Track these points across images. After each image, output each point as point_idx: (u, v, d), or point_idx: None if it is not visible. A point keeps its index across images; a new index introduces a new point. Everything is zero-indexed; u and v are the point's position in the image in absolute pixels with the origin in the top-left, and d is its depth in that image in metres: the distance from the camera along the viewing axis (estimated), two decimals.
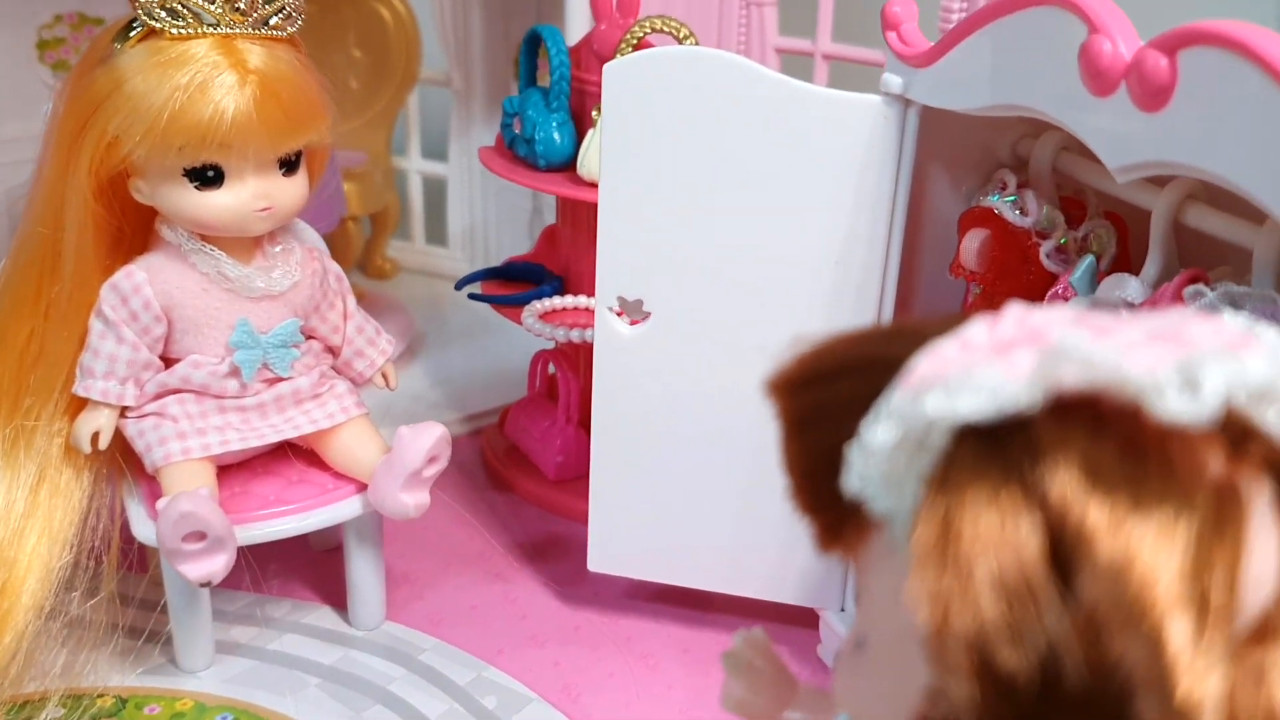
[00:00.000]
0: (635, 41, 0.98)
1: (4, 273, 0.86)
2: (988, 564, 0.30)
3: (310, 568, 1.02)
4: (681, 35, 0.98)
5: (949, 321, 0.38)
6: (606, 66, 0.79)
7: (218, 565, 0.80)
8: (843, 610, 0.91)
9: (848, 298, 0.81)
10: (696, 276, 0.82)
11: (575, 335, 1.03)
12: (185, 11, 0.77)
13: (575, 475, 1.14)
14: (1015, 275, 0.76)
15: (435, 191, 1.62)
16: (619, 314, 0.85)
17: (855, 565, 0.39)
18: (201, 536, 0.78)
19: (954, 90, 0.72)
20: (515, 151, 1.07)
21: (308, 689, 0.88)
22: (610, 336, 0.85)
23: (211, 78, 0.76)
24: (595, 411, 0.88)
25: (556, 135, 1.03)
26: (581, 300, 1.10)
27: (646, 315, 0.85)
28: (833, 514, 0.38)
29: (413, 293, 1.56)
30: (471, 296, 1.13)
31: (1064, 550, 0.30)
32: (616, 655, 0.93)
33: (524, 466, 1.15)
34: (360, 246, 1.57)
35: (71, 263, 0.83)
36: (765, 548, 0.90)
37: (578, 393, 1.12)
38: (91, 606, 0.86)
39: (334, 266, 0.91)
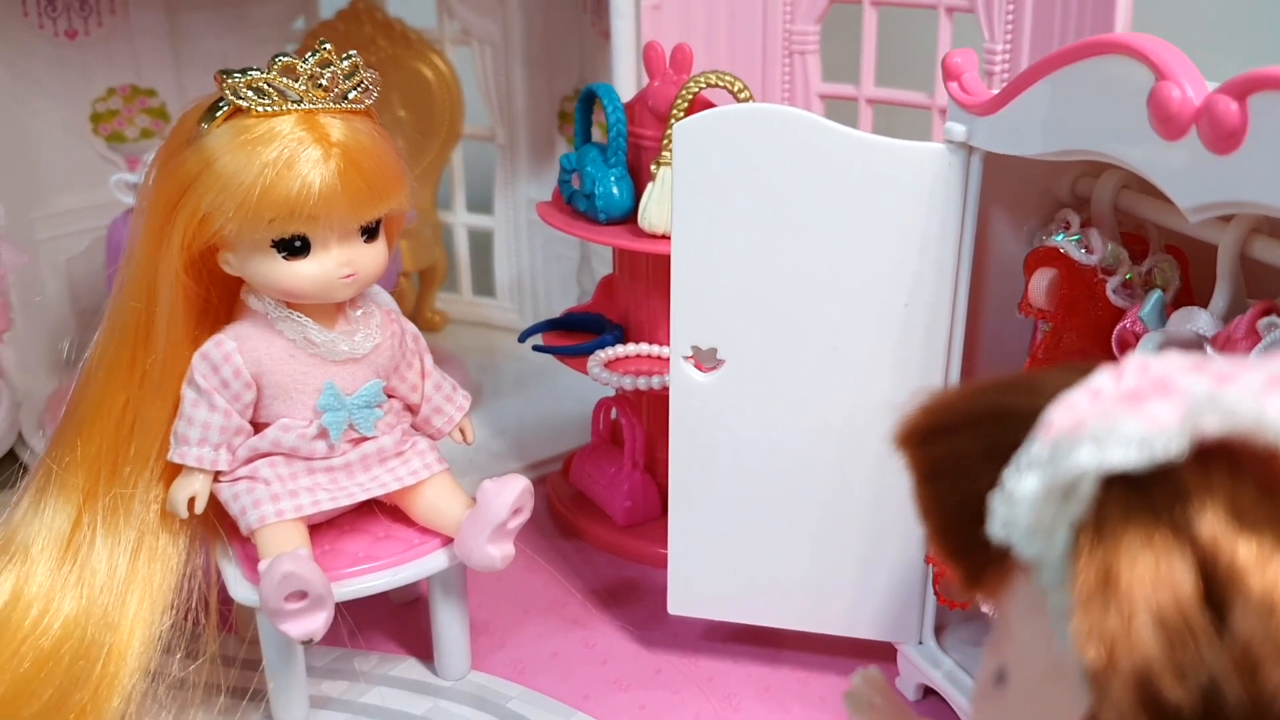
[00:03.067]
0: (691, 97, 1.01)
1: (98, 345, 0.89)
2: (1148, 604, 0.32)
3: (392, 620, 1.04)
4: (736, 89, 1.01)
5: (1066, 373, 0.40)
6: (676, 125, 0.82)
7: (318, 623, 0.82)
8: (920, 643, 0.92)
9: (917, 338, 0.84)
10: (768, 323, 0.85)
11: (642, 383, 1.06)
12: (271, 90, 0.81)
13: (643, 519, 1.16)
14: (1083, 312, 0.78)
15: (480, 244, 1.65)
16: (693, 361, 0.88)
17: (995, 606, 0.41)
18: (303, 596, 0.81)
19: (1018, 136, 0.74)
20: (574, 206, 1.10)
21: None
22: (685, 383, 0.88)
23: (298, 153, 0.79)
24: (673, 457, 0.90)
25: (615, 190, 1.06)
26: (644, 348, 1.12)
27: (720, 362, 0.87)
28: (973, 559, 0.40)
29: (463, 343, 1.59)
30: (535, 348, 1.16)
31: (1217, 588, 0.32)
32: (699, 696, 0.95)
33: (591, 513, 1.17)
34: (411, 301, 1.60)
35: (164, 334, 0.86)
36: (841, 584, 0.92)
37: (643, 439, 1.15)
38: (192, 668, 0.88)
39: (410, 327, 0.94)
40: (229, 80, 0.80)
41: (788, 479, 0.89)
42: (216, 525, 0.90)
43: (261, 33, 1.54)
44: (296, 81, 0.81)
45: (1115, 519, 0.34)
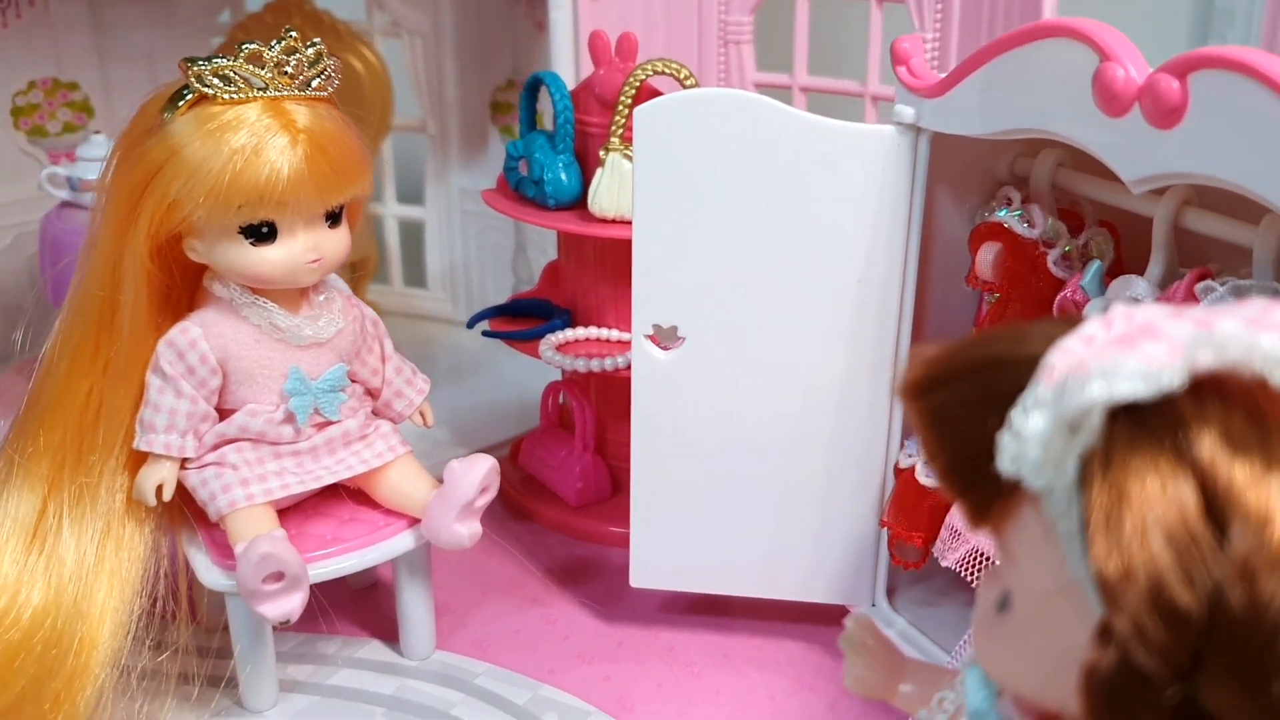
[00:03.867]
0: (638, 84, 1.03)
1: (59, 334, 0.88)
2: (1158, 520, 0.36)
3: (352, 605, 1.05)
4: (682, 76, 1.04)
5: (1049, 325, 0.44)
6: (637, 110, 0.85)
7: (295, 603, 0.83)
8: (873, 605, 0.97)
9: (869, 313, 0.88)
10: (727, 301, 0.88)
11: (595, 365, 1.08)
12: (237, 78, 0.81)
13: (595, 500, 1.19)
14: (1026, 283, 0.83)
15: (411, 235, 1.65)
16: (654, 340, 0.90)
17: (998, 537, 0.44)
18: (280, 577, 0.82)
19: (966, 117, 0.79)
20: (522, 192, 1.12)
21: (374, 718, 0.91)
22: (647, 361, 0.90)
23: (266, 140, 0.80)
24: (635, 433, 0.93)
25: (563, 176, 1.08)
26: (593, 331, 1.15)
27: (680, 340, 0.90)
28: (979, 495, 0.43)
29: (397, 335, 1.55)
30: (485, 334, 1.18)
31: (1217, 506, 0.36)
32: (661, 666, 0.98)
33: (543, 495, 1.20)
34: None
35: (129, 322, 0.86)
36: (798, 551, 0.95)
37: (593, 421, 1.17)
38: (161, 656, 0.88)
39: (369, 312, 0.95)
40: (194, 68, 0.81)
41: (746, 451, 0.92)
42: (182, 513, 0.90)
43: (187, 26, 1.53)
44: (262, 69, 0.82)
45: (1122, 447, 0.37)
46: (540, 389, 1.24)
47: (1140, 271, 0.79)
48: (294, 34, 0.83)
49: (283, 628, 0.87)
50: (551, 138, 1.10)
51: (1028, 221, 0.83)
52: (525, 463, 1.23)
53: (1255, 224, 0.71)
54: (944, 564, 0.81)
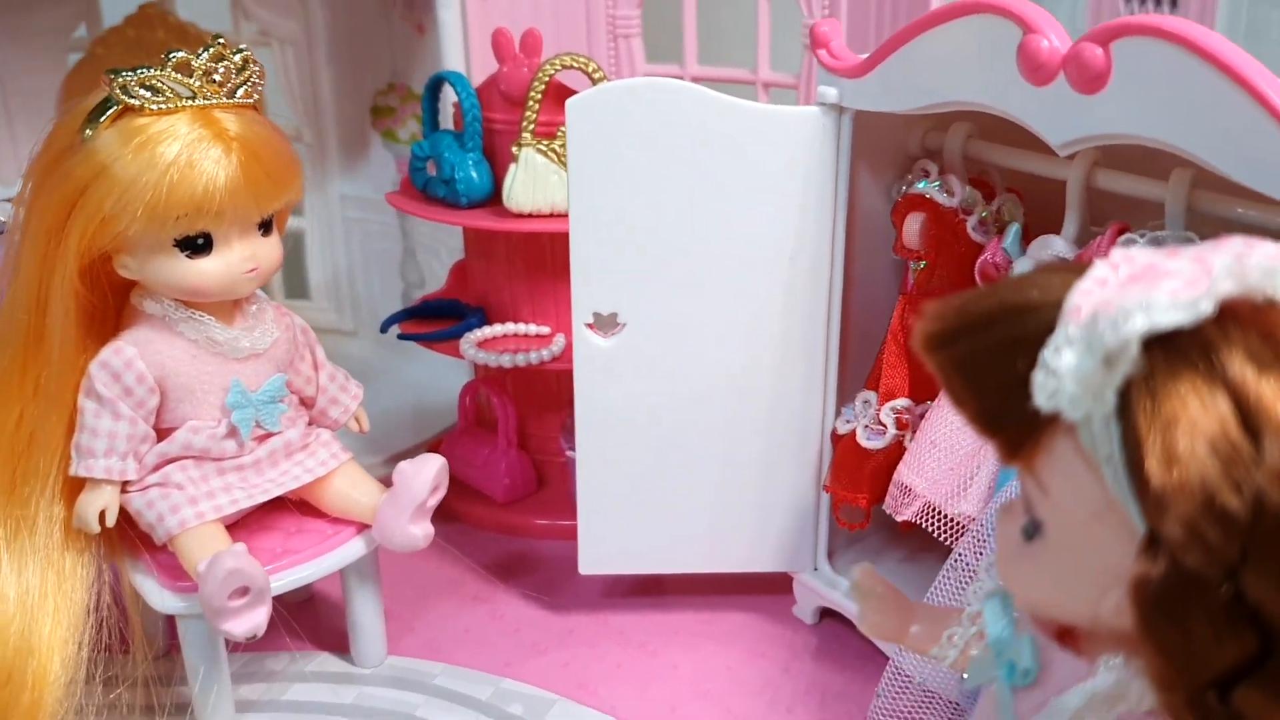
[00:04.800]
0: (547, 79, 1.05)
1: None
2: (1203, 433, 0.39)
3: (291, 619, 1.03)
4: (591, 69, 1.05)
5: (1048, 274, 0.48)
6: (570, 101, 0.86)
7: (260, 617, 0.82)
8: (815, 570, 1.00)
9: (801, 288, 0.91)
10: (665, 285, 0.90)
11: (520, 359, 1.09)
12: (165, 88, 0.80)
13: (523, 495, 1.20)
14: (950, 249, 0.87)
15: (290, 246, 1.62)
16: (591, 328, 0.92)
17: (1028, 472, 0.48)
18: (244, 592, 0.80)
19: (891, 94, 0.83)
20: (430, 193, 1.12)
21: None
22: (588, 350, 0.92)
23: (200, 150, 0.79)
24: (579, 423, 0.94)
25: (474, 174, 1.09)
26: (510, 328, 1.15)
27: (620, 326, 0.92)
28: (1010, 434, 0.47)
29: None
30: (401, 337, 1.17)
31: (1250, 419, 0.40)
32: (616, 648, 0.99)
33: (468, 495, 1.20)
34: None
35: (58, 346, 0.83)
36: (742, 523, 0.98)
37: (515, 417, 1.18)
38: (116, 690, 0.86)
39: (299, 320, 0.94)
40: (119, 79, 0.79)
41: (688, 430, 0.95)
42: (122, 539, 0.87)
43: (39, 43, 1.46)
44: (190, 77, 0.80)
45: (1162, 372, 0.41)
46: (439, 392, 1.24)
47: (1049, 231, 0.84)
48: (222, 40, 0.81)
49: (245, 645, 0.85)
50: (459, 137, 1.10)
51: (947, 191, 0.87)
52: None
53: (1159, 179, 0.77)
54: (898, 519, 0.85)
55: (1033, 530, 0.48)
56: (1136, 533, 0.43)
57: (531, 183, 1.05)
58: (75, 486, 0.85)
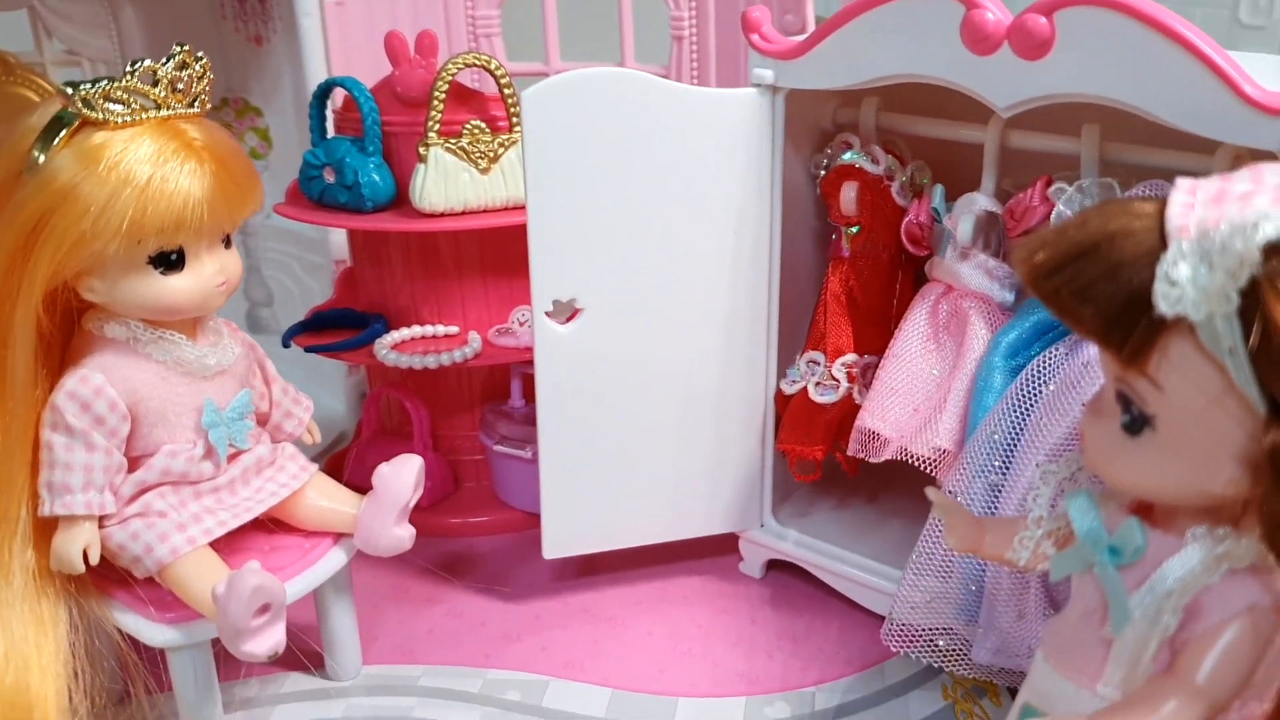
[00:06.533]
0: (450, 78, 1.06)
1: None
2: None
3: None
4: (493, 66, 1.07)
5: (1110, 207, 0.56)
6: (525, 94, 0.88)
7: (280, 635, 0.80)
8: (761, 526, 1.06)
9: (745, 259, 0.97)
10: (620, 266, 0.94)
11: (445, 359, 1.09)
12: (129, 99, 0.77)
13: (443, 497, 1.20)
14: (881, 213, 0.95)
15: None
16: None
17: (1140, 377, 0.55)
18: (265, 609, 0.78)
19: (828, 73, 0.90)
20: (330, 200, 1.10)
21: None
22: (549, 337, 0.94)
23: (175, 164, 0.76)
24: (541, 410, 0.96)
25: (377, 177, 1.08)
26: (417, 330, 1.15)
27: (577, 311, 0.95)
28: (1130, 342, 0.54)
29: None
30: (308, 349, 1.15)
31: None
32: (587, 625, 1.02)
33: None
34: None
35: (21, 378, 0.78)
36: (696, 492, 1.03)
37: (428, 420, 1.18)
38: None
39: (247, 336, 0.92)
40: (80, 93, 0.75)
41: (644, 406, 0.98)
42: (96, 579, 0.83)
43: None
44: (155, 87, 0.77)
45: None
46: (320, 404, 1.22)
47: (959, 193, 0.93)
48: (187, 47, 0.79)
49: (267, 664, 0.83)
50: (356, 142, 1.09)
51: (872, 160, 0.95)
52: (354, 475, 1.21)
53: (1067, 136, 0.87)
54: (875, 461, 0.92)
55: (1139, 425, 0.56)
56: (1255, 412, 0.51)
57: (443, 181, 1.06)
58: (44, 528, 0.81)
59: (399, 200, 1.10)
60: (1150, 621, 0.57)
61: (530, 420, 1.14)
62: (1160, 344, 0.54)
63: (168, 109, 0.78)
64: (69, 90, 0.75)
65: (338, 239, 1.32)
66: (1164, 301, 0.52)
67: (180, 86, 0.79)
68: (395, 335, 1.14)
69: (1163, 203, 0.54)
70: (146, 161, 0.76)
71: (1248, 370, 0.51)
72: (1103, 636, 0.60)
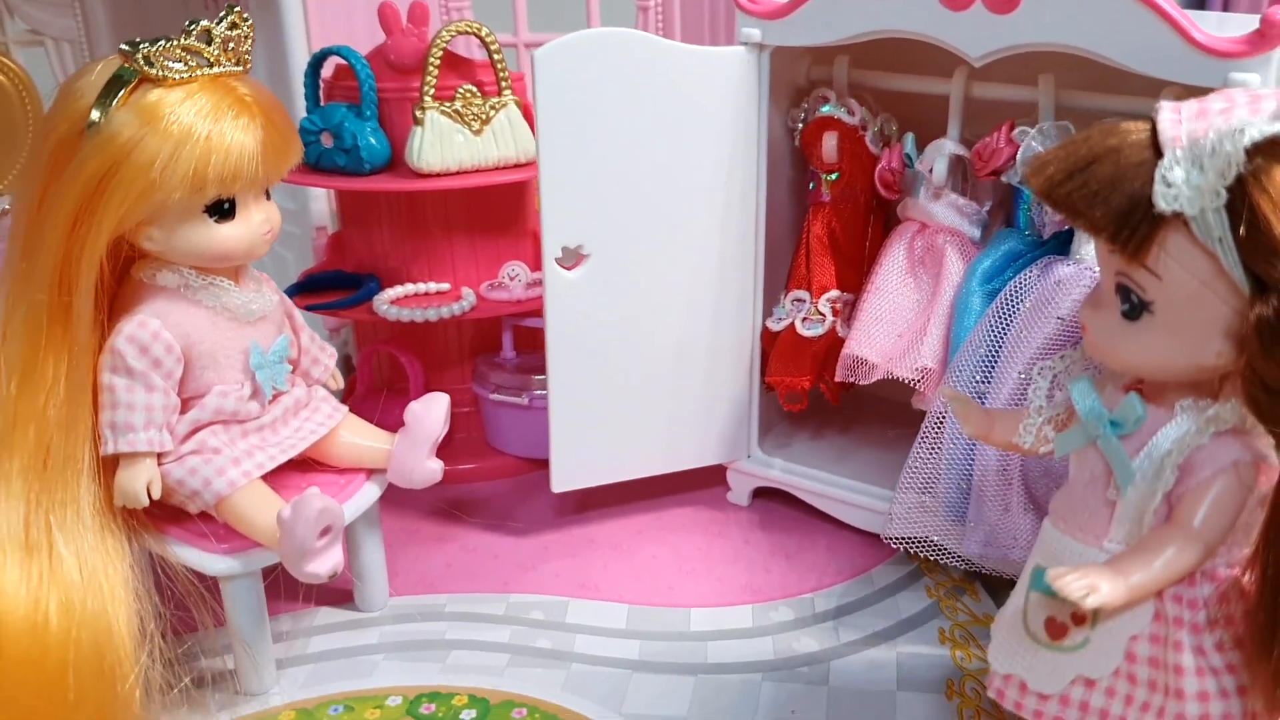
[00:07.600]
0: (444, 45, 1.12)
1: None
2: None
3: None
4: (484, 33, 1.14)
5: (1107, 128, 0.65)
6: (537, 53, 0.95)
7: (339, 555, 0.86)
8: (749, 457, 1.15)
9: (735, 206, 1.05)
10: (624, 215, 1.01)
11: (445, 312, 1.16)
12: (188, 56, 0.82)
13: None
14: (858, 159, 1.05)
15: None
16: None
17: (1139, 269, 0.64)
18: (328, 530, 0.84)
19: (814, 29, 0.98)
20: (328, 164, 1.15)
21: (379, 665, 0.95)
22: (558, 282, 1.01)
23: (230, 118, 0.82)
24: (550, 352, 1.03)
25: (374, 140, 1.14)
26: (410, 288, 1.21)
27: (584, 257, 1.02)
28: (1133, 238, 0.63)
29: None
30: (308, 309, 1.19)
31: None
32: (595, 552, 1.10)
33: None
34: None
35: (84, 324, 0.83)
36: (690, 425, 1.11)
37: (422, 373, 1.24)
38: (166, 660, 0.86)
39: (276, 286, 0.97)
40: (141, 51, 0.80)
41: (645, 345, 1.06)
42: (148, 516, 0.88)
43: None
44: (210, 46, 0.83)
45: (1263, 167, 0.59)
46: None
47: (924, 142, 1.03)
48: (237, 8, 0.84)
49: (329, 582, 0.87)
50: (354, 107, 1.15)
51: (848, 110, 1.04)
52: None
53: (1022, 85, 0.97)
54: (862, 384, 1.01)
55: (1138, 311, 0.65)
56: (1240, 292, 0.61)
57: (438, 143, 1.12)
58: (107, 466, 0.85)
59: (393, 163, 1.16)
60: (1151, 480, 0.67)
61: (523, 370, 1.22)
62: (1159, 238, 0.63)
63: (219, 66, 0.83)
64: (129, 49, 0.80)
65: (318, 207, 1.37)
66: (1162, 200, 0.61)
67: (232, 45, 0.84)
68: (390, 293, 1.20)
69: (1149, 122, 0.64)
70: (205, 116, 0.81)
71: (1235, 255, 0.61)
72: (1107, 499, 0.69)
